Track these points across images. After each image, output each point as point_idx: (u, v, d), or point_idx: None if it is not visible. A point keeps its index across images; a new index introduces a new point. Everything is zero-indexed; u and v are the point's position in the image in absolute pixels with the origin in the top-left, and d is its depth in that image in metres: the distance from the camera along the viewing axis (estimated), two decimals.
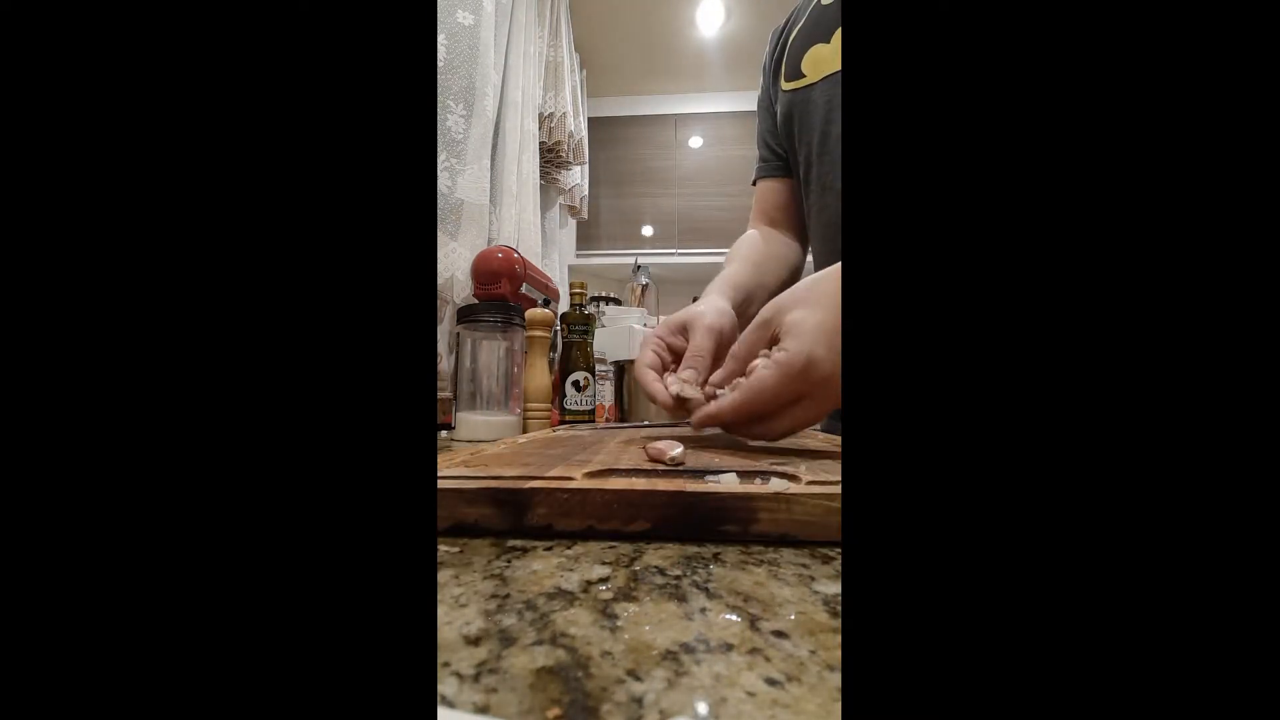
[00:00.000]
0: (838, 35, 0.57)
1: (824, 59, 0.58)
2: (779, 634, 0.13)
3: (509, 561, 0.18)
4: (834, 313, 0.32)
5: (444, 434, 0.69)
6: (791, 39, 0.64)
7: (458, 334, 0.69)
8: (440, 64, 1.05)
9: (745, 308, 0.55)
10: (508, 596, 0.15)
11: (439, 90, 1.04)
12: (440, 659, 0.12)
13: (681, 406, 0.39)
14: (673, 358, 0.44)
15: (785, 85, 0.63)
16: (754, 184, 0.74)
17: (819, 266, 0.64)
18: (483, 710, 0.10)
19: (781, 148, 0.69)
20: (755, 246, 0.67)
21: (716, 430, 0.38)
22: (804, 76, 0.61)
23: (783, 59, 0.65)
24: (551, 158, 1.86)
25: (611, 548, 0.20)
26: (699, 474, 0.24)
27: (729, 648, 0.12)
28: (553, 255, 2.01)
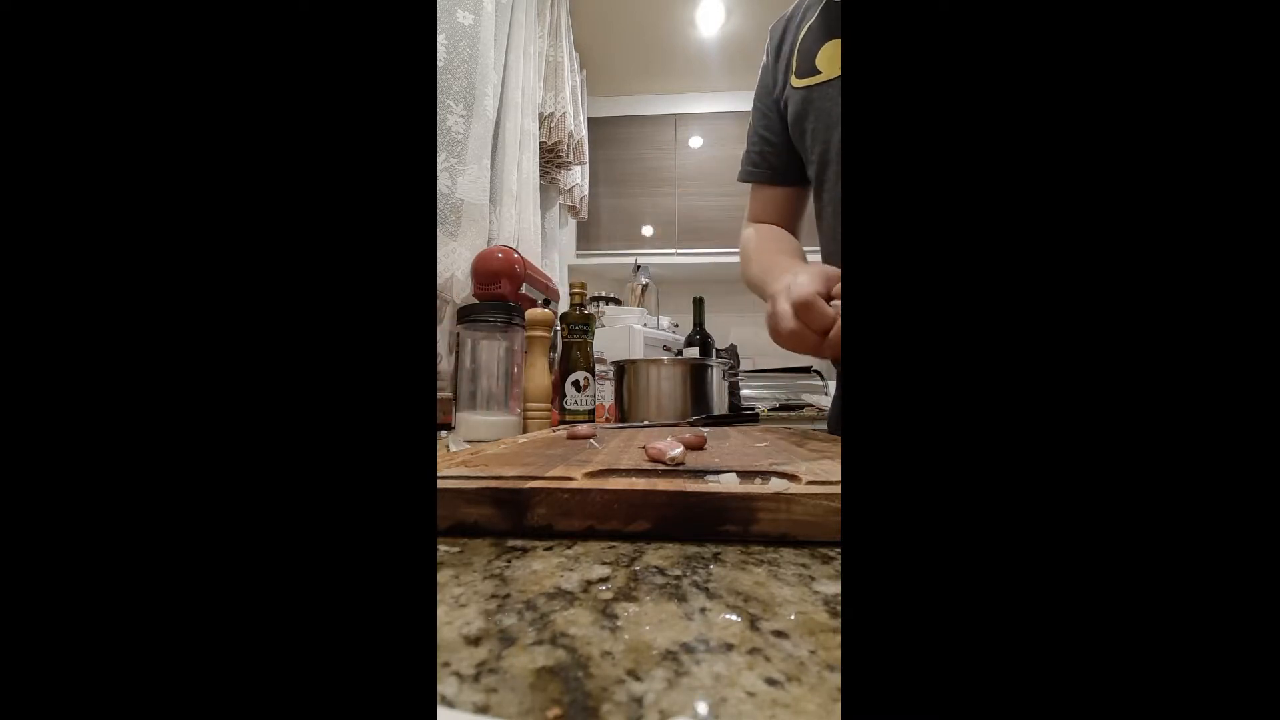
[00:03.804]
0: None
1: (840, 55, 0.58)
2: (779, 634, 0.13)
3: (509, 561, 0.18)
4: None
5: (444, 434, 0.69)
6: (802, 35, 0.64)
7: (458, 334, 0.69)
8: (440, 64, 1.05)
9: None
10: (508, 596, 0.15)
11: (439, 90, 1.04)
12: (440, 659, 0.12)
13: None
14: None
15: (797, 82, 0.63)
16: (741, 180, 0.74)
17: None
18: (483, 710, 0.10)
19: (779, 149, 0.69)
20: (778, 239, 0.68)
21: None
22: (819, 73, 0.60)
23: (793, 55, 0.65)
24: (551, 158, 1.86)
25: (611, 548, 0.20)
26: (699, 474, 0.24)
27: (729, 648, 0.12)
28: (553, 255, 2.00)
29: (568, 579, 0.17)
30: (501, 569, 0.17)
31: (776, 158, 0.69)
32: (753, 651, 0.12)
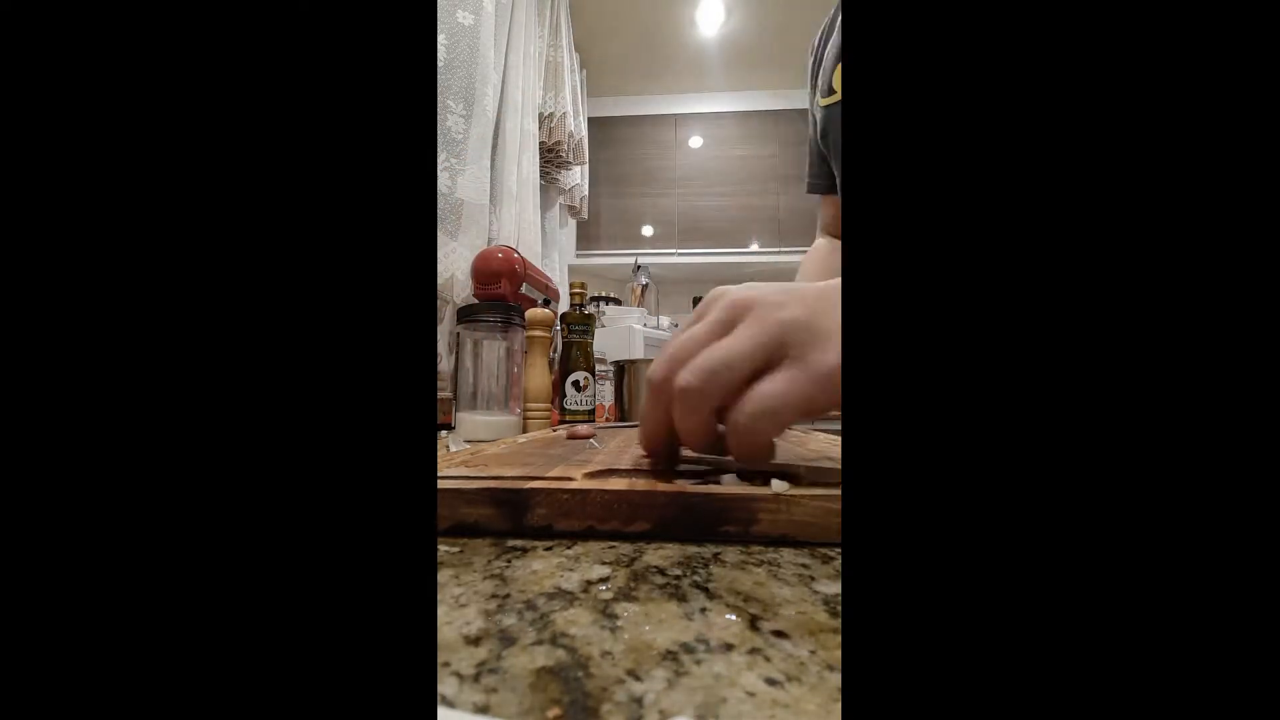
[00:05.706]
0: None
1: None
2: (779, 634, 0.13)
3: (509, 561, 0.18)
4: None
5: (444, 434, 0.69)
6: (825, 55, 0.65)
7: (458, 334, 0.69)
8: (440, 64, 1.05)
9: None
10: (508, 596, 0.15)
11: (439, 90, 1.04)
12: (440, 659, 0.12)
13: None
14: None
15: (821, 101, 0.66)
16: (807, 193, 0.78)
17: None
18: (483, 710, 0.10)
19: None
20: (822, 258, 0.72)
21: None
22: (835, 93, 0.62)
23: (818, 74, 0.67)
24: (551, 158, 1.86)
25: (611, 548, 0.20)
26: (699, 475, 0.24)
27: (729, 648, 0.12)
28: (553, 255, 2.00)
29: (568, 579, 0.17)
30: (501, 569, 0.17)
31: (829, 167, 0.72)
32: (753, 651, 0.12)
